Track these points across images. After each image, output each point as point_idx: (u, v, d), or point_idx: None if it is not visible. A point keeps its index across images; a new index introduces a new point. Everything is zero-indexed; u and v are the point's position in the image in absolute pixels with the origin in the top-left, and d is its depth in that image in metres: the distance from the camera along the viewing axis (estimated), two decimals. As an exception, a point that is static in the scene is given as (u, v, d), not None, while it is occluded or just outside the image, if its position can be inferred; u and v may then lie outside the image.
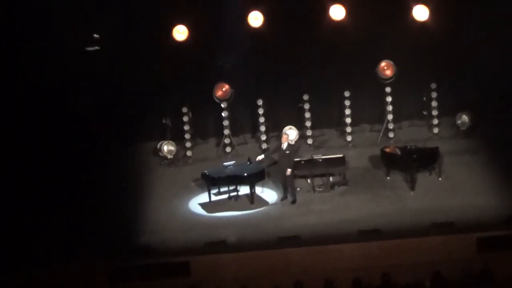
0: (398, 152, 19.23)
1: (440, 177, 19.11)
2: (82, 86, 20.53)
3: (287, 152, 18.59)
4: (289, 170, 18.44)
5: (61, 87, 20.05)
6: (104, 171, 20.15)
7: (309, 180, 19.24)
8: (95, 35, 20.38)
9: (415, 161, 18.78)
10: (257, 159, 19.13)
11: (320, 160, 19.11)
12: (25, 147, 19.48)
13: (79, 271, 15.47)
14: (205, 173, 18.89)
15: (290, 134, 20.51)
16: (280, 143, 18.81)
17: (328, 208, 18.06)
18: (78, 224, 17.52)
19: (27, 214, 17.74)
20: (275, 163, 19.16)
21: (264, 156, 19.32)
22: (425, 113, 21.96)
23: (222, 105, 21.65)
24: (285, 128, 21.15)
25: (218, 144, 22.08)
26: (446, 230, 16.02)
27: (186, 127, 21.70)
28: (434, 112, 21.78)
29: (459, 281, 13.94)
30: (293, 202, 18.49)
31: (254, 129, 22.32)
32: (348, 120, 21.69)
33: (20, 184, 18.59)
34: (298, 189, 18.87)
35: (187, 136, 21.72)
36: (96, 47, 20.42)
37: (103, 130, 20.95)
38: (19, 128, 19.50)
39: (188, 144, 21.74)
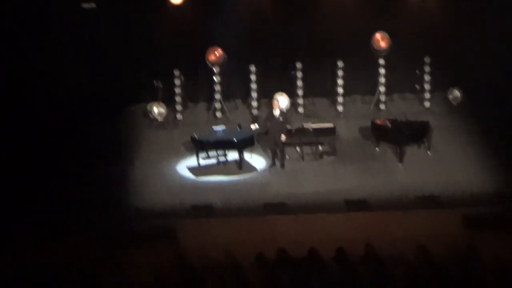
0: (389, 124, 19.24)
1: (429, 151, 19.14)
2: (73, 44, 20.37)
3: (279, 118, 18.56)
4: (283, 136, 18.43)
5: (51, 45, 19.88)
6: (92, 132, 20.02)
7: (298, 149, 19.25)
8: None
9: (405, 134, 18.83)
10: (251, 126, 19.09)
11: (310, 129, 19.10)
12: (11, 110, 19.28)
13: (67, 238, 15.36)
14: (194, 137, 18.87)
15: (281, 101, 20.48)
16: (271, 110, 18.78)
17: (316, 177, 18.10)
18: (64, 188, 17.34)
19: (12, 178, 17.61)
20: (267, 132, 19.12)
21: (258, 125, 19.28)
22: (417, 86, 21.93)
23: (214, 70, 21.56)
24: (276, 94, 21.04)
25: (208, 109, 22.04)
26: (432, 205, 16.13)
27: (177, 90, 21.63)
28: (427, 86, 21.78)
29: (443, 256, 13.97)
30: (282, 166, 18.61)
31: (246, 95, 22.26)
32: (340, 90, 21.65)
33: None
34: (287, 157, 18.88)
35: (178, 99, 21.67)
36: (92, 4, 20.22)
37: (93, 91, 20.79)
38: (6, 90, 19.32)
39: (178, 107, 21.70)
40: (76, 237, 15.30)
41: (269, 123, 18.86)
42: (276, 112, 18.66)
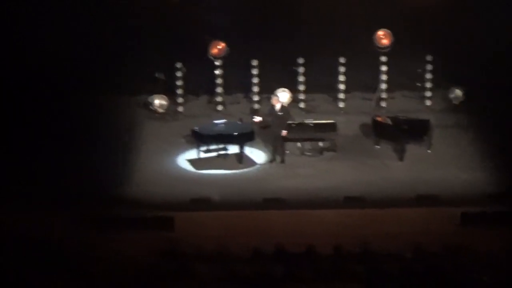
0: (389, 121, 19.27)
1: (428, 149, 19.17)
2: (78, 33, 20.45)
3: (281, 113, 18.59)
4: (284, 132, 18.48)
5: (56, 33, 19.99)
6: (94, 121, 20.03)
7: (298, 144, 19.28)
8: None
9: (405, 131, 18.85)
10: (253, 119, 19.10)
11: (311, 125, 19.11)
12: (15, 93, 19.45)
13: (63, 218, 15.50)
14: (195, 130, 18.90)
15: (282, 96, 20.59)
16: (272, 105, 18.85)
17: (315, 173, 18.15)
18: (65, 172, 17.51)
19: (15, 159, 17.76)
20: (268, 126, 19.13)
21: (262, 119, 19.32)
22: (419, 84, 21.95)
23: (216, 63, 21.57)
24: (277, 90, 21.08)
25: (210, 102, 22.06)
26: (430, 203, 16.13)
27: (179, 83, 21.66)
28: (428, 85, 21.77)
29: (439, 254, 14.02)
30: (282, 161, 18.65)
31: (247, 89, 22.26)
32: (342, 86, 21.67)
33: (8, 128, 18.61)
34: (287, 152, 18.92)
35: (179, 91, 21.70)
36: None
37: (97, 80, 20.86)
38: (12, 75, 19.46)
39: (180, 100, 21.72)
40: (71, 218, 15.45)
41: (270, 118, 18.89)
42: (277, 107, 18.69)
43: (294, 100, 21.68)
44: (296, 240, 14.19)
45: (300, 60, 21.61)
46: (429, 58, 21.66)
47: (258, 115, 20.21)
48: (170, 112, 21.55)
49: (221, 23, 21.41)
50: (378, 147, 19.40)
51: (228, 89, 22.10)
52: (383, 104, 21.70)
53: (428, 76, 21.73)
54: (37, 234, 14.39)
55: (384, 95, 21.73)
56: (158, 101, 21.26)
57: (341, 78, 21.64)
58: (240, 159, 18.67)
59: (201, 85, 22.38)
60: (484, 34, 20.75)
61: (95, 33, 20.67)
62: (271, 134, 18.90)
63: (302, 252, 13.59)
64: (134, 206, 16.14)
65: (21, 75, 19.72)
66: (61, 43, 20.04)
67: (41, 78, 19.88)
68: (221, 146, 19.13)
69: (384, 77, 21.62)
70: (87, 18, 20.49)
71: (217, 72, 21.61)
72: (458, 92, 21.39)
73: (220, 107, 21.73)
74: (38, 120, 19.29)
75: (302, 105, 21.75)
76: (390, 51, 21.42)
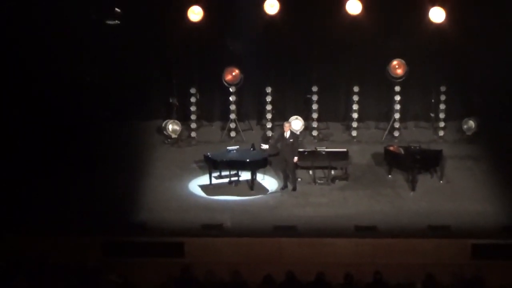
0: (402, 151, 19.23)
1: (441, 180, 19.13)
2: (93, 58, 20.67)
3: (291, 140, 18.60)
4: (295, 158, 18.48)
5: (73, 58, 20.22)
6: (107, 146, 20.27)
7: (310, 172, 19.27)
8: (116, 9, 20.38)
9: (417, 162, 18.78)
10: (261, 147, 19.18)
11: (324, 153, 19.06)
12: (29, 117, 19.68)
13: (74, 243, 15.57)
14: (208, 156, 18.91)
15: (295, 124, 20.67)
16: (283, 132, 18.79)
17: (326, 201, 18.08)
18: (77, 197, 17.62)
19: (27, 185, 17.86)
20: (278, 153, 19.15)
21: (269, 145, 19.39)
22: (432, 115, 21.94)
23: (231, 89, 21.65)
24: (290, 118, 21.14)
25: (223, 128, 22.12)
26: (441, 234, 16.00)
27: (193, 108, 21.75)
28: (441, 115, 21.75)
29: (451, 286, 13.96)
30: (294, 189, 18.58)
31: (260, 116, 22.35)
32: (355, 115, 21.69)
33: (22, 153, 18.73)
34: (299, 179, 18.91)
35: (193, 117, 21.79)
36: (116, 21, 20.43)
37: (110, 105, 21.16)
38: (28, 99, 19.64)
39: (193, 125, 21.80)
40: (82, 243, 15.52)
41: (279, 144, 18.90)
42: (287, 134, 18.66)
43: (307, 128, 21.72)
44: (307, 268, 14.18)
45: (314, 88, 21.65)
46: (443, 88, 21.66)
47: (267, 141, 20.26)
48: (183, 137, 21.59)
49: (236, 49, 21.50)
50: (390, 176, 19.36)
51: (242, 115, 22.15)
52: (396, 133, 21.66)
53: (442, 106, 21.71)
54: (48, 259, 14.43)
55: (397, 125, 21.70)
56: (172, 126, 21.31)
57: (355, 107, 21.67)
58: (252, 186, 18.65)
59: (214, 111, 22.46)
60: (499, 65, 20.72)
61: (109, 58, 20.90)
62: (281, 161, 18.83)
63: (312, 280, 13.54)
64: (145, 232, 16.13)
65: (33, 100, 19.83)
66: (74, 68, 20.22)
67: (53, 105, 19.99)
68: (233, 172, 19.11)
69: (397, 106, 21.61)
70: (98, 42, 20.69)
71: (231, 98, 21.66)
72: (471, 123, 21.34)
73: (233, 133, 21.76)
74: (50, 145, 19.41)
75: (315, 133, 21.75)
76: (404, 81, 21.45)
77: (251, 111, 22.53)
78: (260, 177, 19.10)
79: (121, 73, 21.10)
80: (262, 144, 19.69)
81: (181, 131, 21.47)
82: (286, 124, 18.96)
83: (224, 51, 21.58)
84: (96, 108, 20.91)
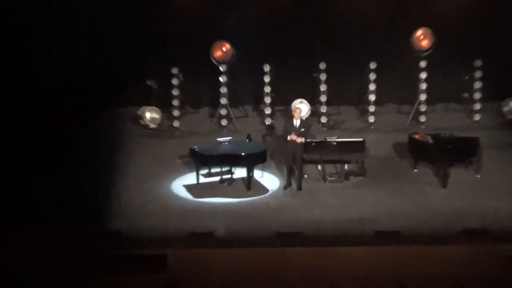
0: (430, 140, 19.28)
1: (478, 174, 19.21)
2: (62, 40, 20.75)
3: (302, 130, 18.50)
4: (302, 150, 18.44)
5: (41, 42, 20.35)
6: (73, 139, 20.29)
7: (319, 167, 19.35)
8: None
9: (449, 152, 18.85)
10: (288, 138, 18.61)
11: (335, 144, 19.04)
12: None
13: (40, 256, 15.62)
14: (194, 150, 18.91)
15: (302, 109, 20.67)
16: (291, 120, 18.62)
17: (339, 202, 18.12)
18: (40, 200, 17.63)
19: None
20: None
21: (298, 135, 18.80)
22: (465, 95, 21.99)
23: (221, 68, 21.73)
24: (294, 102, 21.20)
25: (212, 116, 22.24)
26: (477, 240, 16.03)
27: (175, 92, 21.85)
28: (477, 95, 21.86)
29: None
30: (299, 188, 18.61)
31: (257, 101, 22.47)
32: (372, 97, 21.82)
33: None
34: (305, 176, 18.98)
35: (175, 102, 21.89)
36: None
37: (77, 91, 21.07)
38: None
39: (176, 113, 21.90)
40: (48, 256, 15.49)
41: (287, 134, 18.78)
42: (297, 123, 18.55)
43: (315, 114, 21.79)
44: (316, 284, 14.24)
45: (322, 65, 21.71)
46: (478, 63, 21.75)
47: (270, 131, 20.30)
48: (164, 127, 21.63)
49: (227, 22, 21.52)
50: (416, 171, 19.47)
51: (235, 100, 22.16)
52: (422, 119, 21.79)
53: (477, 85, 21.81)
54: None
55: (423, 108, 21.79)
56: (150, 114, 21.39)
57: (371, 87, 21.77)
58: (249, 185, 18.70)
59: (202, 95, 22.47)
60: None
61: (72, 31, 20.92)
62: (288, 154, 18.74)
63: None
64: (121, 243, 16.15)
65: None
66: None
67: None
68: (225, 169, 19.18)
69: (423, 86, 21.71)
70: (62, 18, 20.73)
71: (221, 79, 21.66)
72: (512, 104, 21.50)
73: (224, 122, 21.84)
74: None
75: (323, 119, 21.84)
76: (431, 55, 21.51)
77: (246, 94, 22.64)
78: (258, 174, 19.14)
79: (86, 51, 20.93)
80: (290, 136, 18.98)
81: (162, 120, 21.57)
82: (296, 109, 18.75)
83: (213, 21, 21.57)
84: (58, 95, 20.86)
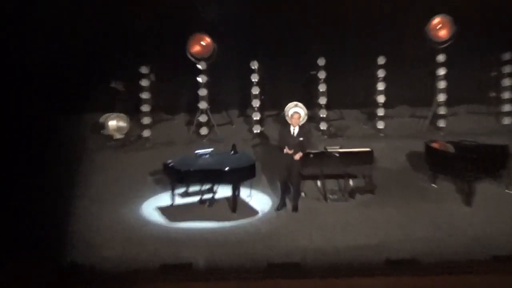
0: (451, 149, 19.16)
1: (508, 189, 19.09)
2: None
3: (300, 139, 18.42)
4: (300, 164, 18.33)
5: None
6: (24, 151, 20.11)
7: (319, 183, 19.29)
8: None
9: (474, 163, 18.70)
10: (285, 151, 18.51)
11: (337, 155, 18.97)
12: None
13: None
14: (169, 164, 18.81)
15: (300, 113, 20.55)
16: (288, 128, 18.57)
17: (343, 225, 17.99)
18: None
19: None
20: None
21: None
22: (492, 95, 21.94)
23: (199, 67, 21.76)
24: (288, 106, 21.16)
25: (189, 123, 22.26)
26: (510, 268, 15.94)
27: (145, 95, 21.90)
28: (505, 95, 21.93)
29: None
30: (295, 209, 18.48)
31: (244, 105, 22.54)
32: (381, 98, 21.88)
33: None
34: (303, 194, 18.94)
35: (145, 108, 21.94)
36: None
37: (29, 93, 20.94)
38: None
39: (146, 120, 21.97)
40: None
41: (282, 145, 18.60)
42: (294, 130, 18.47)
43: (312, 119, 21.85)
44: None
45: (321, 62, 21.69)
46: (506, 56, 21.83)
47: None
48: (133, 138, 21.65)
49: (207, 12, 21.61)
50: (435, 186, 19.37)
51: (217, 104, 22.09)
52: (441, 123, 21.80)
53: (506, 82, 21.89)
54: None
55: (442, 111, 21.77)
56: (115, 123, 21.28)
57: (380, 86, 21.77)
58: (234, 206, 18.58)
59: (177, 99, 22.41)
60: None
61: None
62: (283, 169, 18.60)
63: None
64: (80, 278, 15.90)
65: None
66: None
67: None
68: (206, 187, 19.13)
69: (441, 85, 21.73)
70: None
71: (200, 79, 21.54)
72: (549, 106, 21.53)
73: (204, 130, 21.82)
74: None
75: (323, 126, 21.88)
76: (451, 47, 21.42)
77: (230, 97, 22.73)
78: (245, 193, 19.04)
79: (40, 46, 20.84)
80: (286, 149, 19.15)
81: (129, 129, 21.63)
82: (293, 115, 18.79)
83: (191, 11, 21.52)
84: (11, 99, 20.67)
